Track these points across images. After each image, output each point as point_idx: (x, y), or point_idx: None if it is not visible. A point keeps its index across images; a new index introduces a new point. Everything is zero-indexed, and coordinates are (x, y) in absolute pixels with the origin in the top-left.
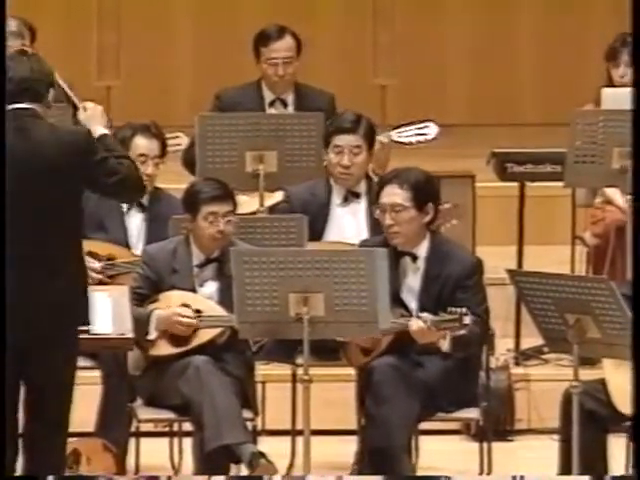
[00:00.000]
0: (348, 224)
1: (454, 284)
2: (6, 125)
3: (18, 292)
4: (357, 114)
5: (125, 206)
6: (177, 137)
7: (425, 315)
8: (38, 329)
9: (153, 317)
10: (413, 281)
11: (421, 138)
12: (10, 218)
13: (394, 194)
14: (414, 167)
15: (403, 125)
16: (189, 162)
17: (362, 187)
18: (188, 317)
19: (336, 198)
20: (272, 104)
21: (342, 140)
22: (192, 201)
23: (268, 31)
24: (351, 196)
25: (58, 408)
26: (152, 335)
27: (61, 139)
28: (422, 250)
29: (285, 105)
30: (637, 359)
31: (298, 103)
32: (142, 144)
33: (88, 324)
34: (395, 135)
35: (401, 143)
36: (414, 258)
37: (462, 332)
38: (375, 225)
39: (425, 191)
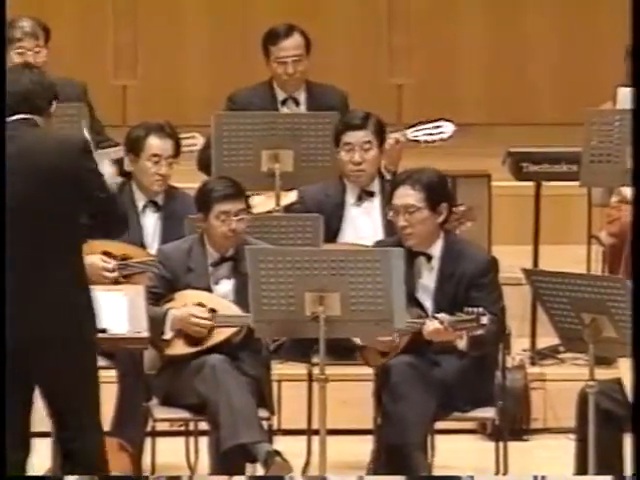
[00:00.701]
0: (363, 223)
1: (469, 283)
2: (8, 138)
3: (17, 295)
4: (366, 112)
5: (140, 205)
6: (193, 137)
7: (442, 315)
8: (41, 332)
9: (168, 317)
10: (428, 281)
11: (437, 137)
12: (15, 224)
13: (407, 195)
14: (426, 167)
15: (419, 123)
16: (204, 164)
17: (376, 186)
18: (203, 318)
19: (350, 198)
20: (284, 103)
21: (352, 137)
22: (204, 200)
23: (276, 30)
24: (365, 195)
25: (81, 410)
26: (167, 335)
27: (55, 144)
28: (436, 250)
29: (297, 103)
30: (637, 359)
31: (310, 101)
32: (156, 144)
33: (94, 326)
34: (411, 133)
35: (416, 142)
36: (428, 258)
37: (480, 331)
38: (390, 224)
39: (438, 191)
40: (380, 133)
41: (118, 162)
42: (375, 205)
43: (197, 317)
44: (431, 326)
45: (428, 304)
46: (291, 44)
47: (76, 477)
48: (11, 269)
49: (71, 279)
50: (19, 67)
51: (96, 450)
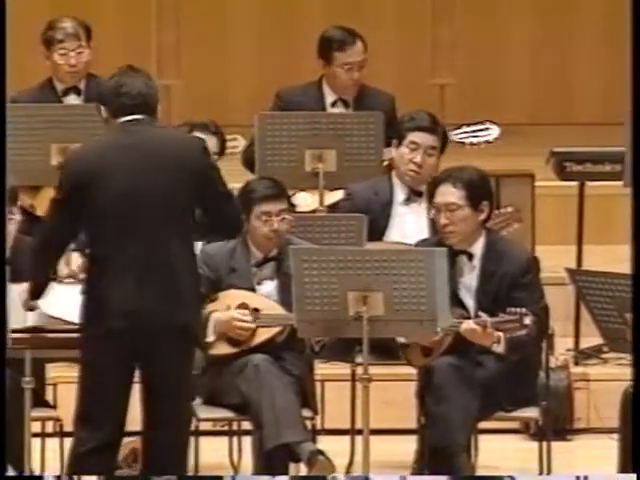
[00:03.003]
0: (410, 223)
1: (510, 282)
2: (121, 131)
3: (130, 278)
4: (433, 116)
5: None
6: (234, 139)
7: (484, 316)
8: (152, 317)
9: (211, 320)
10: (469, 280)
11: (482, 139)
12: (124, 214)
13: (448, 193)
14: (467, 165)
15: (464, 126)
16: (249, 161)
17: (424, 185)
18: (246, 321)
19: (398, 197)
20: (334, 104)
21: (420, 137)
22: (245, 201)
23: (340, 36)
24: (413, 195)
25: (176, 406)
26: (210, 338)
27: (180, 141)
28: (478, 248)
29: (347, 105)
30: (637, 359)
31: (358, 104)
32: None
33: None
34: (455, 136)
35: (462, 143)
36: (470, 256)
37: (522, 332)
38: (434, 223)
39: (479, 189)
40: (444, 141)
41: None
42: (422, 205)
43: (240, 321)
44: (466, 325)
45: (470, 303)
46: (357, 50)
47: (89, 477)
48: (123, 251)
49: (182, 266)
50: (127, 70)
51: (183, 450)
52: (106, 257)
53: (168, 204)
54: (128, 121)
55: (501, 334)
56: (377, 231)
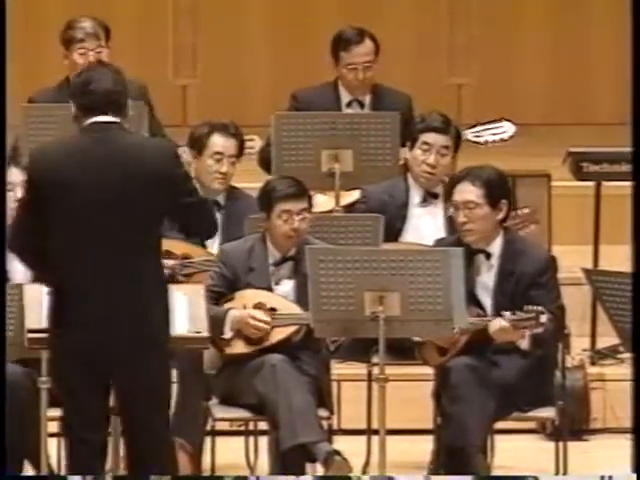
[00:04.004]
0: (426, 225)
1: (528, 281)
2: (89, 134)
3: (95, 293)
4: (445, 115)
5: None
6: (251, 140)
7: (507, 314)
8: (119, 330)
9: (228, 317)
10: (487, 279)
11: (497, 137)
12: (92, 225)
13: (467, 191)
14: (486, 164)
15: (479, 124)
16: (265, 161)
17: (440, 188)
18: (262, 321)
19: (414, 198)
20: (349, 105)
21: (432, 138)
22: (266, 199)
23: (347, 35)
24: (429, 197)
25: (153, 410)
26: (227, 335)
27: (147, 151)
28: (496, 247)
29: (362, 106)
30: (637, 358)
31: (375, 104)
32: (218, 142)
33: (168, 326)
34: (471, 134)
35: (477, 142)
36: (488, 255)
37: (539, 330)
38: (452, 226)
39: (498, 188)
40: (457, 140)
41: None
42: (438, 207)
43: (256, 319)
44: (497, 324)
45: (487, 302)
46: (363, 50)
47: (79, 477)
48: (90, 266)
49: (150, 279)
50: (99, 66)
51: (167, 450)
52: (71, 270)
53: (135, 217)
54: (97, 123)
55: (526, 330)
56: (393, 233)
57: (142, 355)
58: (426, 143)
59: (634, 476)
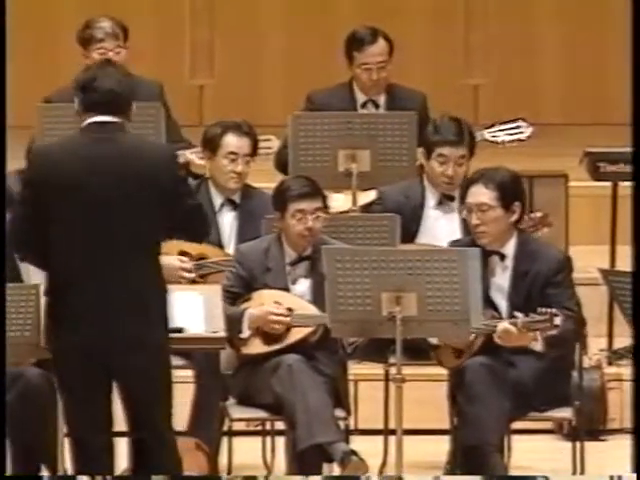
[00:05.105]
0: (441, 227)
1: (543, 281)
2: (89, 134)
3: (94, 293)
4: (458, 121)
5: (217, 204)
6: (268, 140)
7: (520, 316)
8: (118, 331)
9: (246, 316)
10: (502, 280)
11: (515, 137)
12: (90, 224)
13: (480, 194)
14: (500, 166)
15: (496, 124)
16: (282, 164)
17: (456, 190)
18: (281, 314)
19: (430, 200)
20: (364, 105)
21: (447, 151)
22: (280, 199)
23: (361, 35)
24: (445, 199)
25: (156, 410)
26: (245, 334)
27: (146, 152)
28: (510, 249)
29: (377, 106)
30: (637, 358)
31: (390, 104)
32: (232, 142)
33: (166, 328)
34: (488, 134)
35: (494, 142)
36: (502, 257)
37: (553, 332)
38: (468, 227)
39: (511, 190)
40: (472, 144)
41: (185, 165)
42: (454, 209)
43: (275, 314)
44: (501, 327)
45: (502, 304)
46: (376, 50)
47: (86, 477)
48: (88, 266)
49: (146, 280)
50: (104, 65)
51: (172, 450)
52: (71, 275)
53: (131, 217)
54: (96, 123)
55: (538, 333)
56: (408, 234)
57: (141, 354)
58: (442, 155)
59: (634, 476)
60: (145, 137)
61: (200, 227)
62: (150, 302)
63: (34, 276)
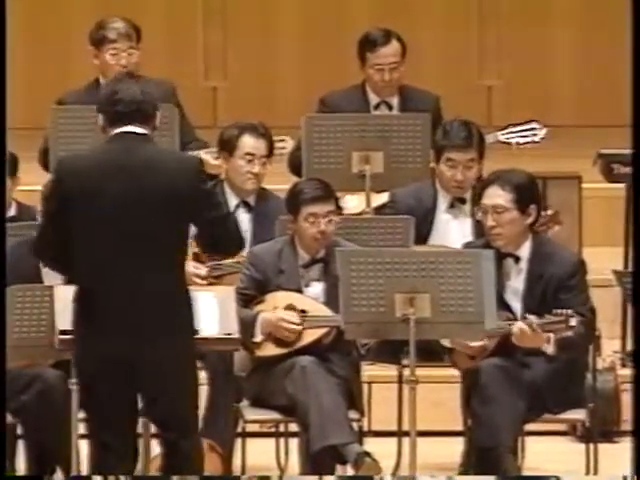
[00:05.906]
0: (453, 229)
1: (557, 284)
2: (115, 145)
3: (119, 301)
4: (467, 124)
5: (232, 205)
6: (283, 140)
7: (531, 318)
8: (143, 337)
9: (259, 320)
10: (516, 282)
11: (529, 139)
12: (115, 233)
13: (496, 196)
14: (516, 169)
15: (510, 126)
16: (295, 165)
17: (468, 193)
18: (293, 323)
19: (442, 203)
20: (377, 107)
21: (456, 155)
22: (293, 202)
23: (374, 36)
24: (457, 202)
25: (186, 412)
26: (258, 338)
27: (170, 164)
28: (525, 251)
29: (390, 108)
30: (637, 358)
31: (403, 106)
32: (249, 143)
33: (193, 331)
34: (501, 136)
35: (508, 144)
36: (517, 259)
37: (568, 333)
38: (480, 231)
39: (527, 192)
40: (481, 146)
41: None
42: (466, 212)
43: (287, 322)
44: (516, 327)
45: (517, 306)
46: (389, 51)
47: (99, 478)
48: (116, 274)
49: (172, 287)
50: (124, 76)
51: (199, 450)
52: (99, 283)
53: (157, 227)
54: (122, 133)
55: (551, 334)
56: (420, 237)
57: (168, 359)
58: (451, 159)
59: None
60: (168, 146)
61: (229, 238)
62: (177, 309)
63: (52, 278)
